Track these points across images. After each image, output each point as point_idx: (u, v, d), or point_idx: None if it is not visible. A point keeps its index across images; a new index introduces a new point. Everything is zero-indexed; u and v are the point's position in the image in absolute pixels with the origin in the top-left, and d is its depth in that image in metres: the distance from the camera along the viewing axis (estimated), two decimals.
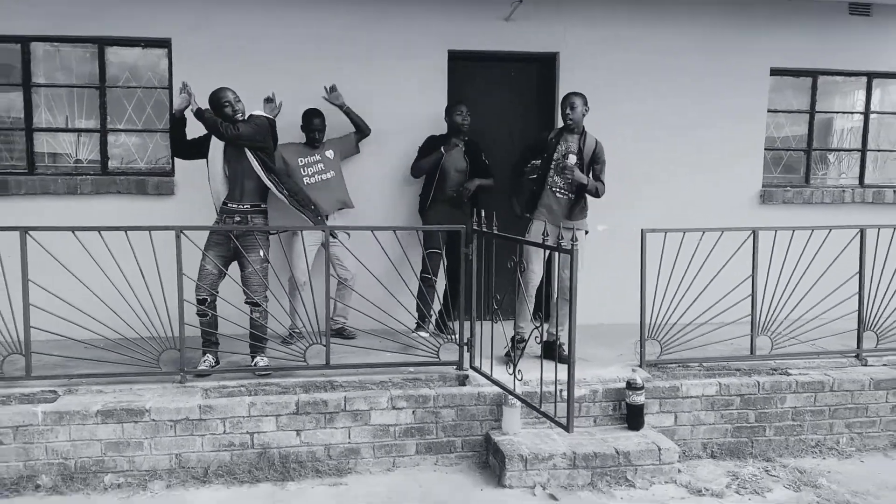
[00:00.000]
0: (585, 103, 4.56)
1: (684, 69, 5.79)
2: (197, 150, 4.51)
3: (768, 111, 6.01)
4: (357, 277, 4.98)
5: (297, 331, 4.99)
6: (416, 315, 4.97)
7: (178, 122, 4.41)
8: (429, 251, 4.91)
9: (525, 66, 5.79)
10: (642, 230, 4.41)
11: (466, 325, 4.30)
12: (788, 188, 6.10)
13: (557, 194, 4.59)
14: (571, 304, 3.55)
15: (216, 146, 4.32)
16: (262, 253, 4.27)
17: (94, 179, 5.19)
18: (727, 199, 5.91)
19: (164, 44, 5.22)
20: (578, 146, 4.56)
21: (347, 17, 5.35)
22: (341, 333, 5.11)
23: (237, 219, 4.30)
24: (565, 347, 4.51)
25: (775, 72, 5.97)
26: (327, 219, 5.03)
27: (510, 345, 4.55)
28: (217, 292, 4.27)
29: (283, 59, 5.27)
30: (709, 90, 5.83)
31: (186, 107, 4.29)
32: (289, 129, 5.05)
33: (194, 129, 4.43)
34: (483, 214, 4.07)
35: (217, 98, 4.25)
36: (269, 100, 4.76)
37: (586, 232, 4.74)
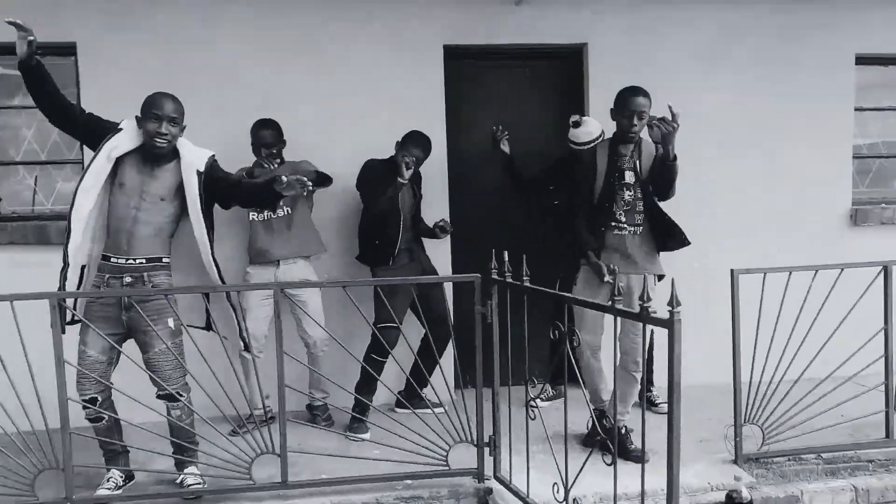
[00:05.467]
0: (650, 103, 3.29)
1: (748, 59, 4.53)
2: (71, 122, 2.98)
3: (855, 110, 4.75)
4: (331, 340, 3.71)
5: (262, 410, 3.70)
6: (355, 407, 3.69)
7: (28, 70, 2.77)
8: (381, 327, 3.58)
9: (543, 63, 4.55)
10: (732, 271, 3.11)
11: (486, 411, 2.97)
12: (885, 205, 4.80)
13: (620, 229, 3.32)
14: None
15: (101, 167, 2.87)
16: (171, 323, 2.95)
17: None
18: (810, 220, 4.61)
19: (70, 50, 3.99)
20: (634, 160, 3.33)
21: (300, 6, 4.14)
22: (319, 415, 3.86)
23: (127, 280, 2.92)
24: (633, 437, 3.25)
25: (861, 60, 4.73)
26: (278, 266, 3.78)
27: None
28: (111, 384, 2.93)
29: (226, 62, 4.05)
30: (778, 84, 4.56)
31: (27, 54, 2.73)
32: (236, 148, 3.80)
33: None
34: (505, 257, 2.77)
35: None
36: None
37: (659, 277, 3.44)
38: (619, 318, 2.33)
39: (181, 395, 2.96)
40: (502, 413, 2.94)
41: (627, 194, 3.29)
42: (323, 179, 3.73)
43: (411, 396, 3.85)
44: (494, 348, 2.89)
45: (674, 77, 4.34)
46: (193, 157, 2.97)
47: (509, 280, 2.73)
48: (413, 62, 4.22)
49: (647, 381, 3.71)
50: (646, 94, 3.24)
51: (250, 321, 3.71)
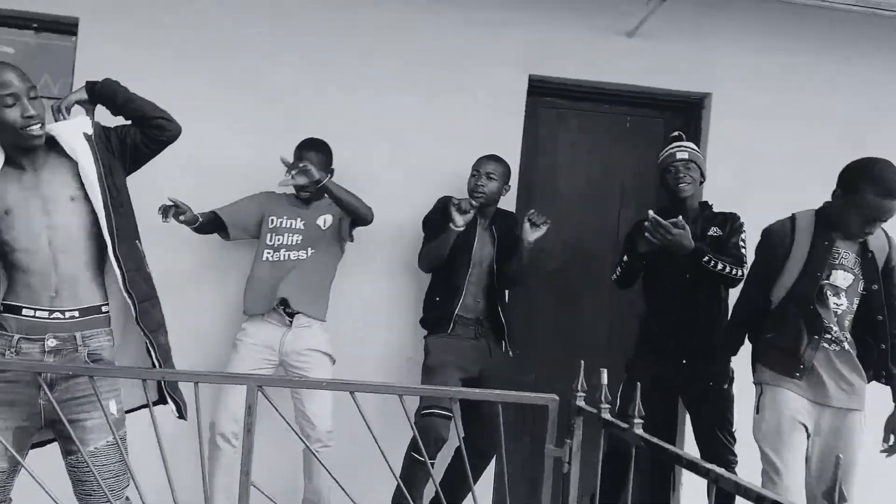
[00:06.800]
0: None
1: None
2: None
3: None
4: (335, 438, 2.82)
5: None
6: None
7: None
8: (426, 415, 2.66)
9: (651, 113, 3.58)
10: None
11: None
12: None
13: (830, 342, 2.40)
14: None
15: None
16: (113, 407, 1.99)
17: None
18: None
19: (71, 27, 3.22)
20: (858, 258, 2.42)
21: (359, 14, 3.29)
22: None
23: (51, 343, 1.94)
24: None
25: None
26: (290, 325, 2.85)
27: None
28: (9, 500, 1.97)
29: (256, 64, 3.22)
30: None
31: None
32: (262, 175, 2.95)
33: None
34: (604, 378, 1.73)
35: None
36: None
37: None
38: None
39: None
40: None
41: (834, 302, 2.38)
42: (354, 212, 2.85)
43: None
44: None
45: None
46: (71, 127, 2.04)
47: (606, 415, 1.68)
48: (489, 93, 3.30)
49: None
50: None
51: (232, 400, 2.77)
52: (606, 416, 1.68)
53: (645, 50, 3.37)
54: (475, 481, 2.84)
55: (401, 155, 3.24)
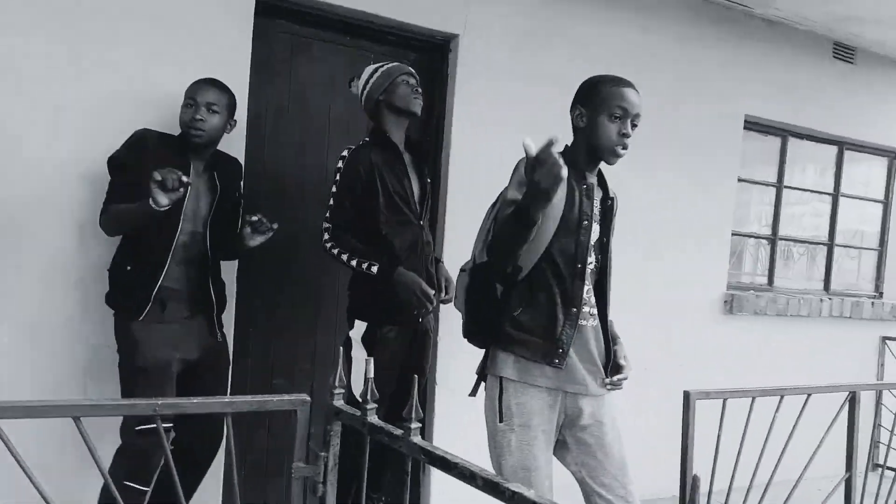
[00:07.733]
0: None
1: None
2: None
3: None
4: None
5: None
6: None
7: None
8: (141, 431, 2.09)
9: (395, 52, 3.22)
10: (687, 393, 2.02)
11: None
12: (756, 292, 4.16)
13: (589, 318, 1.94)
14: None
15: None
16: None
17: None
18: (688, 306, 3.82)
19: None
20: (601, 204, 1.97)
21: None
22: None
23: None
24: None
25: (750, 124, 4.07)
26: None
27: None
28: None
29: None
30: (668, 134, 3.73)
31: None
32: None
33: None
34: (369, 370, 1.36)
35: None
36: None
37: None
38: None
39: None
40: None
41: (590, 261, 1.92)
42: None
43: None
44: None
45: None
46: None
47: (373, 419, 1.32)
48: (209, 8, 2.66)
49: None
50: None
51: None
52: (374, 419, 1.32)
53: None
54: (199, 478, 2.37)
55: (86, 78, 2.47)
